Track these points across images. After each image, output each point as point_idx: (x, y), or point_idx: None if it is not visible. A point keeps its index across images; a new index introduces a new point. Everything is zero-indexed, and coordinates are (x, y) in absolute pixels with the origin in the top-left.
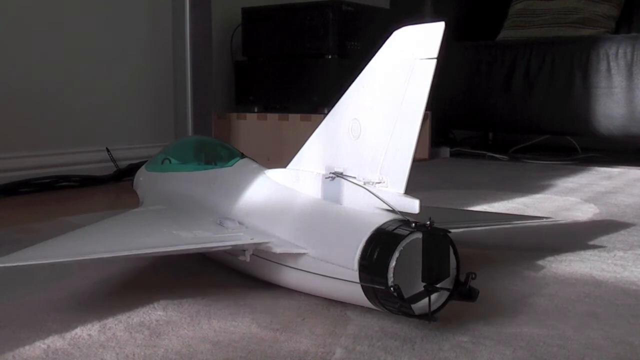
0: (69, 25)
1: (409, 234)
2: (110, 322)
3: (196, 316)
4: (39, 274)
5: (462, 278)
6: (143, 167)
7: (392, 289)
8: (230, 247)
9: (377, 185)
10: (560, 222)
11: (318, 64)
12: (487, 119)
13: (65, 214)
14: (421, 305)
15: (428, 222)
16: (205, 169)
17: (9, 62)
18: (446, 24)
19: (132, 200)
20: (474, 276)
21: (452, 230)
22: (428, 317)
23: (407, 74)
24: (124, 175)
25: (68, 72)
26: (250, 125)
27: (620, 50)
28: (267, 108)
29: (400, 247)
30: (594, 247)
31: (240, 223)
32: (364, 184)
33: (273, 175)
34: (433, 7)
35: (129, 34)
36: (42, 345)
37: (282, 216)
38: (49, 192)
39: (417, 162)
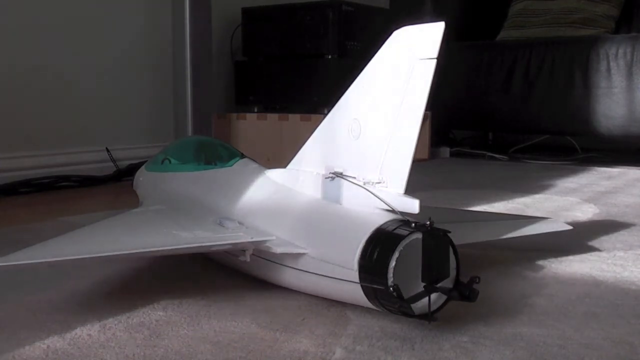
0: (68, 25)
1: (408, 234)
2: (110, 322)
3: (196, 316)
4: (39, 274)
5: (465, 280)
6: (143, 167)
7: (391, 289)
8: (230, 246)
9: (377, 185)
10: (565, 228)
11: (318, 64)
12: (487, 119)
13: (65, 214)
14: (421, 305)
15: (428, 222)
16: (205, 169)
17: (9, 62)
18: (446, 24)
19: (132, 200)
20: (477, 280)
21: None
22: (428, 317)
23: (407, 74)
24: (124, 175)
25: (68, 72)
26: (250, 125)
27: (620, 50)
28: (267, 108)
29: (400, 247)
30: (594, 247)
31: (240, 223)
32: (364, 184)
33: (273, 175)
34: (433, 7)
35: (128, 34)
36: (42, 346)
37: (282, 216)
38: (49, 192)
39: (417, 162)
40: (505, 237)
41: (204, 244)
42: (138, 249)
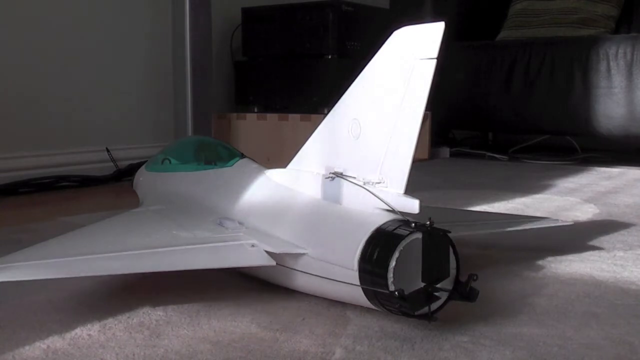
0: (69, 25)
1: (408, 234)
2: (110, 322)
3: (196, 316)
4: None
5: (464, 279)
6: (143, 167)
7: (396, 293)
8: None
9: (377, 185)
10: (564, 223)
11: (318, 64)
12: (487, 119)
13: (65, 214)
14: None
15: (428, 222)
16: (205, 169)
17: (9, 62)
18: (446, 24)
19: (132, 200)
20: (475, 277)
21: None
22: (428, 317)
23: (407, 74)
24: (124, 175)
25: (68, 72)
26: (250, 125)
27: (620, 50)
28: (267, 108)
29: (400, 248)
30: (594, 247)
31: (240, 223)
32: (364, 184)
33: (273, 175)
34: (433, 7)
35: (128, 34)
36: (42, 345)
37: (282, 216)
38: (49, 192)
39: (417, 162)
40: (505, 230)
41: (207, 264)
42: (133, 266)
